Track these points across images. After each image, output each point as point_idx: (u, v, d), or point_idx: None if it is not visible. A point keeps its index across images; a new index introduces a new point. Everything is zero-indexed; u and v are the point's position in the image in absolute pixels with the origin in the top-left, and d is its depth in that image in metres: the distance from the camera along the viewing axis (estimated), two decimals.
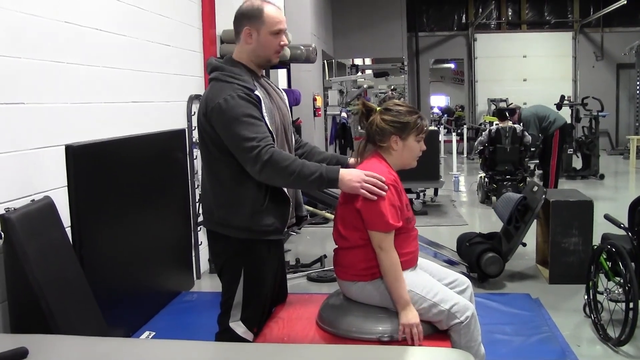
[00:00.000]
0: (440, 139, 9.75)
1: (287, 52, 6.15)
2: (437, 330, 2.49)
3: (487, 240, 4.96)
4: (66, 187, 3.19)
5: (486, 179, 8.41)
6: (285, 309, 2.86)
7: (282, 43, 2.53)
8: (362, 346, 2.29)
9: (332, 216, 2.82)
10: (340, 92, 9.75)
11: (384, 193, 2.36)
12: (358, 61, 15.28)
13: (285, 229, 2.60)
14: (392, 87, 15.93)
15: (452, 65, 20.97)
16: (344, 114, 9.56)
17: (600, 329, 3.67)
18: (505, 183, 7.99)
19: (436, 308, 2.42)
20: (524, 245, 4.85)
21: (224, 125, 2.38)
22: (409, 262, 2.46)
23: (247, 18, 2.49)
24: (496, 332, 3.70)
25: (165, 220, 4.37)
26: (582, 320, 3.95)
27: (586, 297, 3.89)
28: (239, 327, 2.53)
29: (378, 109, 2.54)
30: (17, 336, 2.45)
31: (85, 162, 3.27)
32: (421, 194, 8.02)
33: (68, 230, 3.15)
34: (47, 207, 2.90)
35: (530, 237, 5.19)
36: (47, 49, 3.17)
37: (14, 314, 2.66)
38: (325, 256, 5.35)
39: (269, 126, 2.42)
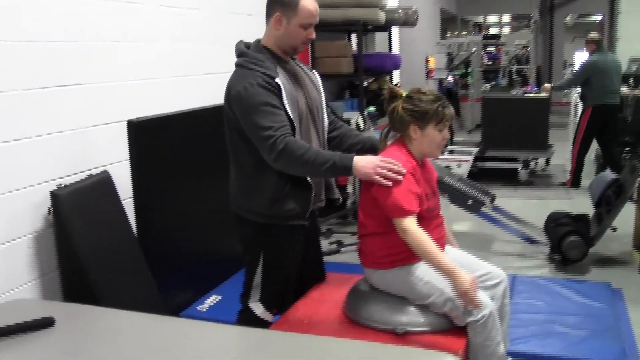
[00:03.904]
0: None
1: (382, 16, 5.96)
2: (455, 325, 2.43)
3: (574, 223, 4.66)
4: (128, 161, 3.37)
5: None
6: (319, 289, 2.92)
7: (310, 37, 2.53)
8: (339, 340, 2.21)
9: None
10: (449, 55, 9.38)
11: (400, 178, 2.32)
12: (492, 18, 14.50)
13: (309, 213, 2.61)
14: (527, 42, 15.07)
15: (599, 17, 19.27)
16: (450, 79, 9.20)
17: None
18: (624, 156, 7.35)
19: (452, 302, 2.35)
20: (614, 230, 4.50)
21: (243, 113, 2.42)
22: None
23: (280, 4, 2.48)
24: (557, 323, 3.48)
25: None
26: None
27: None
28: (257, 308, 2.63)
29: (404, 95, 2.47)
30: (50, 303, 2.72)
31: (146, 135, 3.40)
32: (531, 162, 7.63)
33: (130, 202, 3.34)
34: (103, 181, 3.10)
35: (628, 220, 4.81)
36: (106, 30, 3.31)
37: (64, 283, 2.90)
38: None
39: (290, 114, 2.42)
